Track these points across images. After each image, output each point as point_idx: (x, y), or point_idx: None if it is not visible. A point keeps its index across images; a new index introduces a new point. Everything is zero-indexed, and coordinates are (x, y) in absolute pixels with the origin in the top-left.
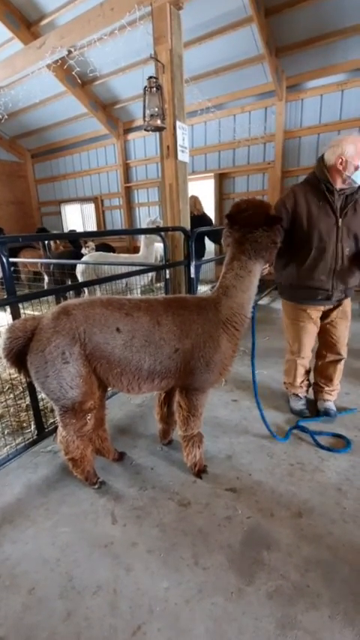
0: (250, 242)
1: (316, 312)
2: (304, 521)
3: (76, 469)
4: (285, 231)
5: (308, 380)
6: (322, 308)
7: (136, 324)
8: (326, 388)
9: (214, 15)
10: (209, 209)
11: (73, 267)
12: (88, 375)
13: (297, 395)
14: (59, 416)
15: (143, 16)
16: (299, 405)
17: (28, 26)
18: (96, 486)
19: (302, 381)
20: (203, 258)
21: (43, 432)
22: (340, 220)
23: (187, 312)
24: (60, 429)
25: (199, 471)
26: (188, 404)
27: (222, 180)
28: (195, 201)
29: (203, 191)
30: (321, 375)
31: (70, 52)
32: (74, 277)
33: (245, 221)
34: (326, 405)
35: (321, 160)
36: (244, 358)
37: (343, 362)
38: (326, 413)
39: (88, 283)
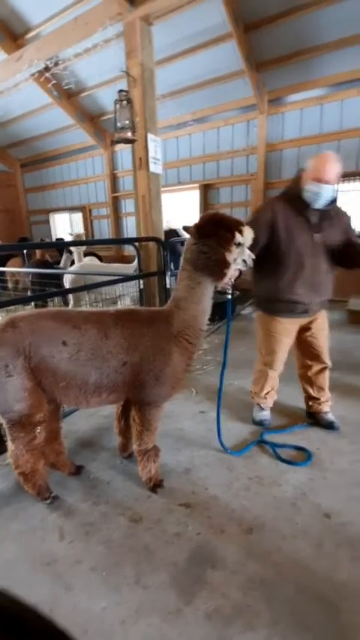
0: (185, 251)
1: (292, 326)
2: (253, 537)
3: (27, 484)
4: (263, 245)
5: (274, 393)
6: (299, 321)
7: (83, 337)
8: (322, 399)
9: (196, 30)
10: (194, 219)
11: (53, 277)
12: (33, 389)
13: (260, 405)
14: (7, 429)
15: (119, 34)
16: (260, 415)
17: (15, 39)
18: (48, 501)
19: (268, 392)
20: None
21: (3, 445)
22: (316, 235)
23: (138, 324)
24: (9, 442)
25: (155, 486)
26: (142, 418)
27: (206, 190)
28: None
29: (189, 201)
30: (313, 384)
31: (46, 66)
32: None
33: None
34: (328, 417)
35: (298, 174)
36: (218, 369)
37: (328, 370)
38: (330, 426)
39: (56, 293)
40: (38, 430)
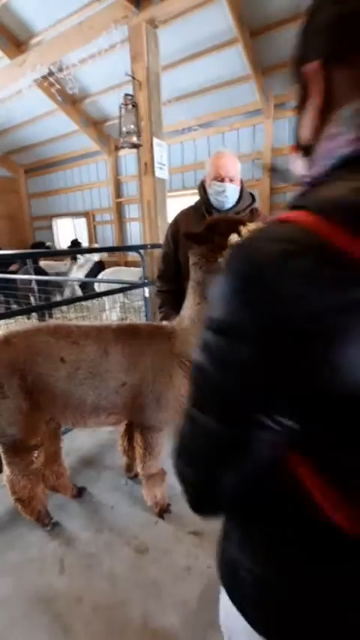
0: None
1: None
2: None
3: (25, 510)
4: (174, 260)
5: None
6: None
7: (81, 353)
8: None
9: (201, 35)
10: None
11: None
12: (29, 410)
13: None
14: (2, 453)
15: (124, 39)
16: None
17: (18, 45)
18: (48, 528)
19: None
20: None
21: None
22: None
23: (138, 342)
24: (5, 467)
25: (161, 511)
26: (144, 442)
27: None
28: None
29: None
30: None
31: (50, 71)
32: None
33: None
34: None
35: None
36: None
37: None
38: None
39: (54, 304)
40: (35, 454)
